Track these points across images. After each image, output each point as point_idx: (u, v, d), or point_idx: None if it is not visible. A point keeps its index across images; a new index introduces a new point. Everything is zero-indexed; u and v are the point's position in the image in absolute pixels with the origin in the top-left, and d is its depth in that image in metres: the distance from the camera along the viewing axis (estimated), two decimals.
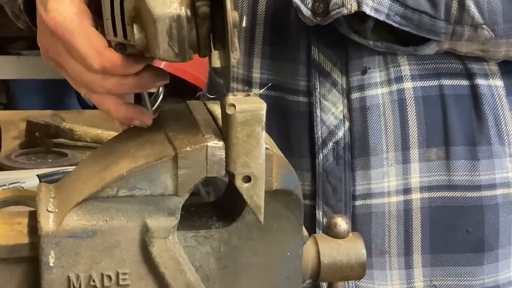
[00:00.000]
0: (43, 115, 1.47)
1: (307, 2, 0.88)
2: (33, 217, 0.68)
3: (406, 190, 0.99)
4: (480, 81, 0.97)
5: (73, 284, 0.64)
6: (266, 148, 0.64)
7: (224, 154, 0.64)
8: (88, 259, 0.64)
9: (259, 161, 0.63)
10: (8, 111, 1.57)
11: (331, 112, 0.98)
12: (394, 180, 0.99)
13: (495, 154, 0.98)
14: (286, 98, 0.99)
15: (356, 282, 1.02)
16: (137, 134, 0.71)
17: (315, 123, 0.98)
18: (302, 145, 1.01)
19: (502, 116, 0.98)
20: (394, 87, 0.97)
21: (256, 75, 1.01)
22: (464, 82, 0.97)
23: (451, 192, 0.98)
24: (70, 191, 0.67)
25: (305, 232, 0.71)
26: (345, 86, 0.96)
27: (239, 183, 0.64)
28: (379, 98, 0.97)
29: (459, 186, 0.98)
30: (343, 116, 0.98)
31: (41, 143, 1.39)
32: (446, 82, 0.97)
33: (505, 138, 0.98)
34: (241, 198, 0.64)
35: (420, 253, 1.00)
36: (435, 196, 0.98)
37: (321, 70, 0.96)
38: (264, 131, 0.64)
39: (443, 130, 0.97)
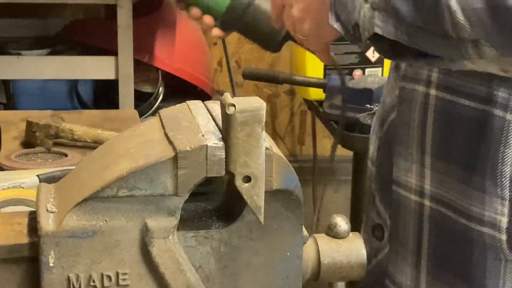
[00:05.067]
0: (43, 115, 1.47)
1: (349, 28, 0.90)
2: (33, 217, 0.68)
3: (421, 193, 0.99)
4: (497, 112, 0.92)
5: (73, 284, 0.64)
6: (266, 148, 0.64)
7: (224, 154, 0.64)
8: (88, 259, 0.64)
9: (259, 161, 0.63)
10: (8, 111, 1.56)
11: (390, 95, 1.04)
12: (414, 178, 1.00)
13: (487, 189, 0.93)
14: None
15: (387, 263, 1.04)
16: (137, 134, 0.71)
17: (385, 99, 1.06)
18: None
19: (501, 155, 0.92)
20: (425, 89, 0.98)
21: None
22: (482, 107, 0.93)
23: (449, 212, 0.96)
24: (70, 191, 0.67)
25: (305, 232, 0.71)
26: (399, 74, 1.01)
27: (239, 183, 0.64)
28: (415, 94, 0.99)
29: (455, 208, 0.96)
30: (396, 102, 1.02)
31: (41, 143, 1.39)
32: (464, 101, 0.94)
33: (498, 178, 0.92)
34: (241, 198, 0.64)
35: (426, 259, 0.99)
36: (439, 210, 0.97)
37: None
38: (264, 131, 0.64)
39: (449, 146, 0.96)
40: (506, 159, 0.92)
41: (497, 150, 0.92)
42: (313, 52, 1.04)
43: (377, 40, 0.88)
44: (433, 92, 0.97)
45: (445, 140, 0.97)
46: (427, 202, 0.98)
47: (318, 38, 0.99)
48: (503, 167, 0.92)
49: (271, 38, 1.25)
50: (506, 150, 0.92)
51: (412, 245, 1.00)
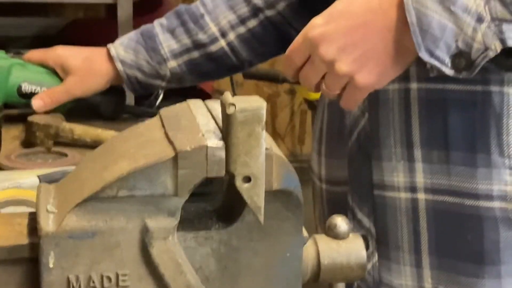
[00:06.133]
0: (43, 115, 1.47)
1: (446, 61, 0.85)
2: (33, 218, 0.68)
3: (413, 189, 1.00)
4: (493, 88, 0.95)
5: (73, 285, 0.64)
6: (266, 148, 0.64)
7: (224, 154, 0.63)
8: (87, 260, 0.64)
9: (259, 161, 0.63)
10: (8, 111, 1.56)
11: None
12: (402, 176, 1.00)
13: (493, 164, 0.95)
14: None
15: (379, 271, 1.03)
16: (137, 134, 0.70)
17: (346, 112, 1.05)
18: (343, 134, 1.06)
19: (505, 126, 0.95)
20: (402, 85, 0.98)
21: None
22: (475, 88, 0.95)
23: (451, 198, 0.97)
24: (70, 192, 0.67)
25: (305, 232, 0.71)
26: None
27: (239, 183, 0.63)
28: (390, 93, 0.99)
29: (458, 192, 0.97)
30: (364, 107, 1.01)
31: (41, 143, 1.39)
32: (452, 87, 0.96)
33: (505, 149, 0.95)
34: (241, 199, 0.64)
35: (427, 254, 1.00)
36: (438, 199, 0.98)
37: None
38: (264, 131, 0.63)
39: (443, 134, 0.97)
40: (511, 130, 0.95)
41: (500, 123, 0.95)
42: (339, 102, 0.94)
43: (506, 57, 0.84)
44: (414, 86, 0.97)
45: (438, 129, 0.97)
46: (421, 196, 0.99)
47: (368, 87, 0.88)
48: (509, 137, 0.95)
49: (112, 113, 1.62)
50: (510, 121, 0.95)
51: (408, 244, 1.01)
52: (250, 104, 0.63)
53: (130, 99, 1.92)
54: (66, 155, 1.34)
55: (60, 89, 1.49)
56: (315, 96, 2.32)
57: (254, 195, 0.64)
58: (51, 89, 1.51)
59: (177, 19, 1.45)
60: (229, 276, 0.68)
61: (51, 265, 0.63)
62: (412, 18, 0.83)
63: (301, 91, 2.55)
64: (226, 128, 0.63)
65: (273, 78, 2.21)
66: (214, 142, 0.64)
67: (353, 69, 0.87)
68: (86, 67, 1.48)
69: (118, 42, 1.49)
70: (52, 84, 1.55)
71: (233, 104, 0.62)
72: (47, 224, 0.64)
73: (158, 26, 1.46)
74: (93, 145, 1.41)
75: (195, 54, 1.43)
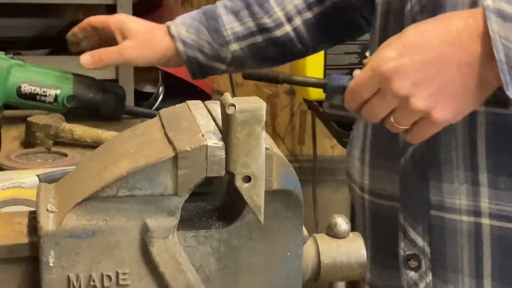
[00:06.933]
0: (43, 115, 1.47)
1: None
2: (33, 217, 0.68)
3: (476, 213, 0.96)
4: None
5: (73, 284, 0.64)
6: (266, 148, 0.64)
7: (224, 154, 0.64)
8: (88, 259, 0.64)
9: (259, 161, 0.63)
10: (8, 111, 1.56)
11: None
12: (465, 199, 0.96)
13: None
14: None
15: None
16: (137, 134, 0.71)
17: None
18: (393, 148, 1.01)
19: None
20: None
21: None
22: None
23: None
24: (70, 191, 0.67)
25: (305, 232, 0.71)
26: None
27: (239, 183, 0.64)
28: None
29: None
30: None
31: (41, 143, 1.39)
32: None
33: None
34: (241, 198, 0.64)
35: (490, 279, 0.97)
36: (504, 226, 0.95)
37: None
38: (264, 131, 0.64)
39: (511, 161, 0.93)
40: None
41: None
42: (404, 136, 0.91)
43: None
44: (481, 109, 0.93)
45: (506, 155, 0.93)
46: (485, 221, 0.95)
47: (444, 123, 0.86)
48: None
49: (112, 113, 1.63)
50: None
51: (469, 267, 0.97)
52: (250, 104, 0.63)
53: (130, 99, 1.93)
54: (66, 155, 1.34)
55: (114, 49, 1.39)
56: (314, 96, 2.32)
57: (254, 195, 0.64)
58: (103, 48, 1.43)
59: (241, 0, 1.36)
60: (229, 275, 0.68)
61: (51, 264, 0.64)
62: (500, 55, 0.80)
63: (300, 92, 2.55)
64: (226, 129, 0.63)
65: (273, 79, 2.21)
66: (214, 142, 0.64)
67: (429, 105, 0.84)
68: (147, 35, 1.39)
69: (179, 20, 1.38)
70: (52, 85, 1.55)
71: (233, 105, 0.62)
72: (47, 223, 0.64)
73: (222, 7, 1.36)
74: (93, 145, 1.41)
75: (259, 38, 1.34)
